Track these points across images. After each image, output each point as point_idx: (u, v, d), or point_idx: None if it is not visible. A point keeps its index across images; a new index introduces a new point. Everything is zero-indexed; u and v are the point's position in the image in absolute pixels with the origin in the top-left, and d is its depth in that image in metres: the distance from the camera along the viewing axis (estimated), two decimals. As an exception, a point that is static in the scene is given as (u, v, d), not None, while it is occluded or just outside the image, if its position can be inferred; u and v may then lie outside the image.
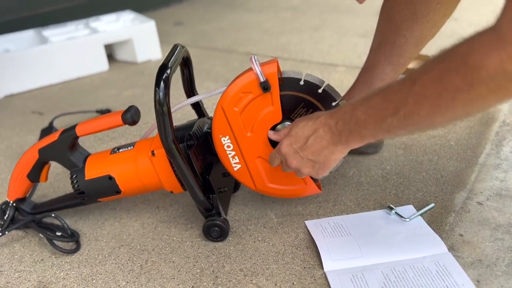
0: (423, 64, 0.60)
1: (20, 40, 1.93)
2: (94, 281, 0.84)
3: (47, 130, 1.34)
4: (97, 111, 1.48)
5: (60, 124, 1.42)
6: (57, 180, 1.15)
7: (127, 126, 0.87)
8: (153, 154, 0.87)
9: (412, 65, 1.29)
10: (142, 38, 1.91)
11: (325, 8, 2.46)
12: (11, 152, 1.33)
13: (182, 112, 1.14)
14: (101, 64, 1.87)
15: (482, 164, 1.05)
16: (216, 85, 1.65)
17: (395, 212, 0.91)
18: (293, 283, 0.79)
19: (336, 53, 1.81)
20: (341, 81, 1.54)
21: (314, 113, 0.78)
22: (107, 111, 1.49)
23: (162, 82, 0.77)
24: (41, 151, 0.93)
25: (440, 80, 0.56)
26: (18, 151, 1.33)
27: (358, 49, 1.82)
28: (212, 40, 2.15)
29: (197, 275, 0.82)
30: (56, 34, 1.89)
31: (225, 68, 1.80)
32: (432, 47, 1.66)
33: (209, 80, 1.69)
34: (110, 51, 1.98)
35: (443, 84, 0.56)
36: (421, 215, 0.90)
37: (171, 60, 0.80)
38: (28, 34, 1.94)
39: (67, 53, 1.79)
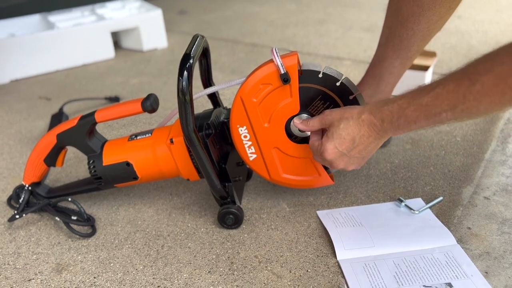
0: (477, 63, 0.64)
1: (26, 24, 1.93)
2: (112, 264, 0.86)
3: (58, 116, 1.35)
4: (106, 98, 1.50)
5: (69, 111, 1.43)
6: (69, 166, 1.17)
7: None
8: (171, 142, 0.89)
9: (417, 60, 1.32)
10: (149, 26, 1.92)
11: (329, 2, 2.48)
12: (21, 136, 1.34)
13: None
14: (108, 51, 1.88)
15: (488, 160, 1.08)
16: (222, 75, 1.66)
17: (405, 205, 0.94)
18: (307, 271, 0.81)
19: (342, 46, 1.83)
20: (347, 74, 1.54)
21: (347, 110, 0.79)
22: (116, 98, 1.50)
23: (185, 71, 0.79)
24: (60, 136, 0.94)
25: (504, 80, 0.60)
26: (27, 135, 1.34)
27: (363, 43, 1.84)
28: (217, 30, 2.16)
29: (213, 261, 0.85)
30: (62, 19, 1.90)
31: (231, 59, 1.82)
32: (437, 44, 1.69)
33: (215, 70, 1.69)
34: (116, 39, 1.99)
35: (507, 84, 0.60)
36: (430, 208, 0.93)
37: (193, 50, 0.82)
38: (33, 19, 1.95)
39: (73, 39, 1.80)
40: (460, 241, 0.85)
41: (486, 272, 0.78)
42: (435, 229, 0.88)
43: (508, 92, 0.61)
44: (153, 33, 1.94)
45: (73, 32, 1.80)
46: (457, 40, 1.80)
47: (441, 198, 0.95)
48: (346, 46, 1.84)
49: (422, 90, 0.71)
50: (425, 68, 1.33)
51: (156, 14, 1.92)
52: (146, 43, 1.94)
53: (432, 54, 1.40)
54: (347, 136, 0.78)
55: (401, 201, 0.94)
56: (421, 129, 0.77)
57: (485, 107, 0.64)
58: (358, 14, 2.23)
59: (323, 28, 2.07)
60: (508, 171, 1.03)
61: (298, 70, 0.83)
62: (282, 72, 0.82)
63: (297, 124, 0.86)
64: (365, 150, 0.79)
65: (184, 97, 0.79)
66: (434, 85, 0.69)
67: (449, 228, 0.87)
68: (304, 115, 0.87)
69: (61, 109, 1.39)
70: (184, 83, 0.79)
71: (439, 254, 0.82)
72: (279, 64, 0.81)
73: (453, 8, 1.00)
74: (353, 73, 1.57)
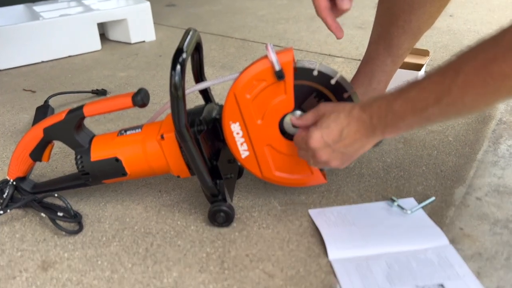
0: (462, 55, 0.63)
1: (10, 14, 1.91)
2: (100, 262, 0.85)
3: (43, 109, 1.33)
4: (93, 92, 1.48)
5: (55, 104, 1.42)
6: (55, 160, 1.16)
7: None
8: (162, 137, 0.88)
9: (408, 58, 1.33)
10: (137, 19, 1.91)
11: (320, -3, 2.48)
12: (4, 129, 1.32)
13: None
14: (94, 43, 1.86)
15: (480, 161, 1.09)
16: (213, 70, 1.66)
17: (397, 204, 0.95)
18: (299, 270, 0.82)
19: (334, 43, 1.84)
20: (339, 72, 1.57)
21: (341, 105, 0.80)
22: (103, 92, 1.49)
23: (178, 66, 0.78)
24: (46, 130, 0.93)
25: (486, 68, 0.59)
26: (11, 129, 1.33)
27: (356, 41, 1.85)
28: (206, 24, 2.16)
29: (203, 259, 0.85)
30: (47, 10, 1.88)
31: (221, 53, 1.82)
32: (429, 43, 1.70)
33: (205, 65, 1.69)
34: (103, 31, 1.97)
35: (489, 72, 0.59)
36: (422, 208, 0.94)
37: (186, 44, 0.82)
38: (18, 9, 1.93)
39: (59, 30, 1.78)
40: (452, 241, 0.86)
41: (478, 273, 0.79)
42: (427, 229, 0.89)
43: (491, 82, 0.60)
44: (141, 25, 1.93)
45: (59, 23, 1.78)
46: (449, 39, 1.81)
47: (433, 198, 0.96)
48: (338, 43, 1.84)
49: (410, 85, 0.70)
50: (418, 67, 1.34)
51: (144, 6, 1.91)
52: (134, 35, 1.93)
53: (425, 53, 1.41)
54: (335, 127, 0.77)
55: (394, 200, 0.95)
56: (410, 130, 0.75)
57: (471, 99, 0.63)
58: (350, 11, 2.23)
59: (314, 25, 2.07)
60: (500, 172, 1.05)
61: (293, 67, 0.83)
62: (277, 68, 0.82)
63: (294, 120, 0.85)
64: (351, 147, 0.78)
65: (177, 92, 0.79)
66: (421, 79, 0.69)
67: (441, 229, 0.88)
68: (298, 112, 0.87)
69: (46, 102, 1.38)
70: (177, 77, 0.78)
71: (432, 254, 0.83)
72: (274, 60, 0.81)
73: (443, 6, 1.02)
74: (345, 71, 1.58)
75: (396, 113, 0.71)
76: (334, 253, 0.84)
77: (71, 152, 1.17)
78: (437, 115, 0.67)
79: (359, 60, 1.15)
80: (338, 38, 0.91)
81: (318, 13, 0.89)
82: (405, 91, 0.70)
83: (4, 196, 0.97)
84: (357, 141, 0.77)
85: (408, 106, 0.69)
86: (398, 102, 0.70)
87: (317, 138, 0.78)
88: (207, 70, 1.64)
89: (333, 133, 0.77)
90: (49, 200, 0.98)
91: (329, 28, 0.90)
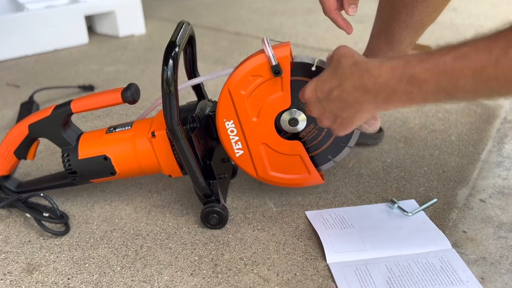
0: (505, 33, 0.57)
1: (-7, 5, 1.90)
2: (87, 265, 0.85)
3: (27, 105, 1.33)
4: (79, 87, 1.48)
5: (40, 99, 1.41)
6: (40, 158, 1.15)
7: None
8: (153, 135, 0.88)
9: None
10: (126, 11, 1.91)
11: (318, -10, 2.49)
12: (-14, 126, 1.32)
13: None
14: (81, 36, 1.86)
15: (484, 161, 1.09)
16: (205, 64, 1.66)
17: (398, 206, 0.95)
18: (295, 274, 0.82)
19: (332, 38, 1.84)
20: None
21: (356, 55, 0.71)
22: (90, 87, 1.49)
23: (170, 60, 0.78)
24: (32, 126, 0.93)
25: None
26: (-6, 125, 1.32)
27: (354, 35, 1.83)
28: (198, 17, 2.15)
29: (195, 263, 0.85)
30: (32, 1, 1.87)
31: (214, 47, 1.81)
32: (431, 38, 1.71)
33: (197, 60, 1.69)
34: (90, 23, 1.96)
35: None
36: (424, 210, 0.94)
37: (178, 37, 0.82)
38: (1, 0, 1.91)
39: (44, 23, 1.77)
40: (455, 245, 0.86)
41: (482, 278, 0.80)
42: (429, 232, 0.89)
43: None
44: (130, 18, 1.93)
45: (44, 15, 1.77)
46: (452, 34, 1.82)
47: (435, 200, 0.96)
48: (336, 37, 1.84)
49: (442, 49, 0.60)
50: (419, 63, 1.34)
51: (134, -2, 1.91)
52: (122, 28, 1.92)
53: (427, 49, 1.42)
54: (325, 85, 0.72)
55: (394, 202, 0.95)
56: (419, 105, 0.67)
57: None
58: (348, 4, 2.24)
59: (311, 18, 2.07)
60: (505, 172, 1.05)
61: (290, 62, 0.83)
62: (274, 63, 0.81)
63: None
64: (343, 110, 0.71)
65: (169, 88, 0.79)
66: (458, 45, 0.60)
67: (444, 232, 0.88)
68: (295, 111, 0.87)
69: (31, 98, 1.38)
70: (169, 72, 0.78)
71: (434, 258, 0.83)
72: (271, 55, 0.81)
73: (447, 0, 1.02)
74: (343, 67, 1.58)
75: (414, 80, 0.61)
76: (332, 257, 0.84)
77: (58, 150, 1.17)
78: (467, 91, 0.59)
79: (358, 55, 1.15)
80: (348, 33, 0.90)
81: (327, 13, 0.89)
82: (434, 56, 0.60)
83: (-13, 195, 0.97)
84: (350, 106, 0.70)
85: (435, 73, 0.60)
86: (421, 66, 0.61)
87: (309, 90, 0.76)
88: (199, 65, 1.63)
89: (323, 90, 0.73)
90: (34, 200, 0.98)
91: (339, 26, 0.90)
